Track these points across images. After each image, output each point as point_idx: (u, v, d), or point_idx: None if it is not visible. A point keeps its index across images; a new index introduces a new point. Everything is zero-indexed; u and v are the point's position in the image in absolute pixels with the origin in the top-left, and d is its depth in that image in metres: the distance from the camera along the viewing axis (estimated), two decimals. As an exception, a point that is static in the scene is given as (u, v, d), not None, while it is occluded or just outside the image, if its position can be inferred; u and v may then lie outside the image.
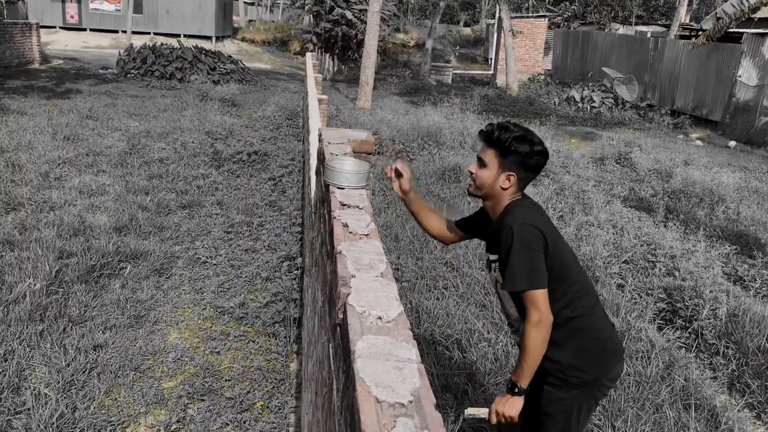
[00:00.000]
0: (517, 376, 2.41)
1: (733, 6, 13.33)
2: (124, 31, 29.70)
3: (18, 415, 3.46)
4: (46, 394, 3.62)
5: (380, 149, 9.54)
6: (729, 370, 4.54)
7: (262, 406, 3.79)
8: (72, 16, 32.24)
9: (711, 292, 5.25)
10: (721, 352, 4.73)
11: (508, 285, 2.40)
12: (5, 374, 3.75)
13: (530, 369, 2.38)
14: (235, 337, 4.55)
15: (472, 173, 2.58)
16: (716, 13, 14.36)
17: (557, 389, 2.54)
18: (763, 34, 17.20)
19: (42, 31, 22.85)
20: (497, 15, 27.05)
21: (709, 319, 5.00)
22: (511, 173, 2.48)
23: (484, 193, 2.57)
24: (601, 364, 2.55)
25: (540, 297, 2.34)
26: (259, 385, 3.98)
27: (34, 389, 3.66)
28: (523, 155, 2.45)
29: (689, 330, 5.00)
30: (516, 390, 2.42)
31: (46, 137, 9.91)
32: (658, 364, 4.28)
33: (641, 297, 5.53)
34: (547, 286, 2.38)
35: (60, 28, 31.78)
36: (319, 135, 3.33)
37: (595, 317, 2.58)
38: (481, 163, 2.54)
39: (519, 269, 2.34)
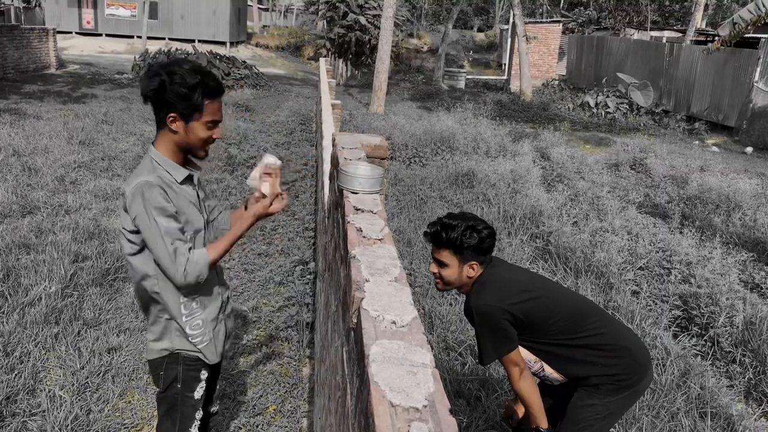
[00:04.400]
0: (534, 423, 2.61)
1: (750, 12, 13.22)
2: (140, 37, 29.98)
3: (33, 417, 3.48)
4: (61, 397, 3.64)
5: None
6: (746, 379, 4.48)
7: (274, 410, 3.79)
8: (88, 22, 32.59)
9: (727, 299, 5.20)
10: (737, 360, 4.68)
11: (481, 360, 2.61)
12: (21, 376, 3.78)
13: (539, 411, 2.59)
14: (247, 340, 4.56)
15: (435, 273, 2.70)
16: (733, 18, 14.20)
17: (589, 396, 2.63)
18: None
19: (58, 36, 23.12)
20: (511, 20, 27.02)
21: (725, 327, 4.94)
22: (472, 263, 2.61)
23: (456, 287, 2.70)
24: (634, 371, 2.63)
25: (513, 356, 2.54)
26: (271, 389, 3.99)
27: (49, 391, 3.69)
28: (475, 245, 2.57)
29: (705, 337, 4.95)
30: None
31: (61, 141, 10.01)
32: (673, 371, 4.24)
33: (656, 304, 5.48)
34: (544, 324, 2.59)
35: (76, 33, 32.14)
36: (333, 140, 3.34)
37: (612, 330, 2.67)
38: (440, 263, 2.66)
39: (484, 346, 2.57)
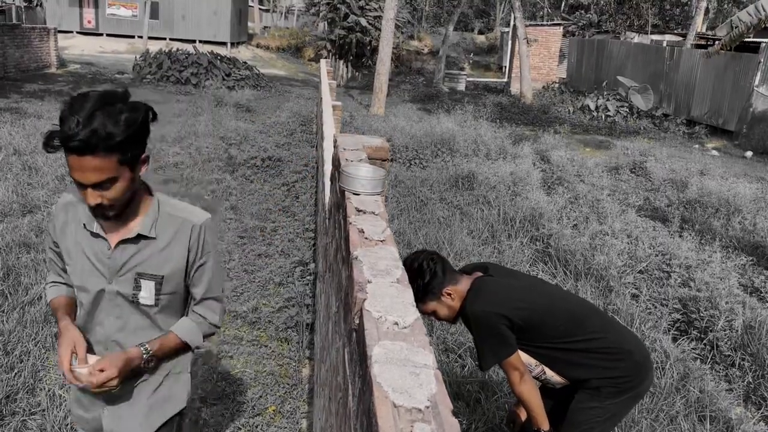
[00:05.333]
0: (536, 424, 2.61)
1: (749, 14, 13.24)
2: (141, 37, 29.98)
3: (33, 416, 3.48)
4: (60, 396, 3.64)
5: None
6: (745, 382, 4.49)
7: (274, 410, 3.79)
8: (89, 21, 32.59)
9: (727, 303, 5.20)
10: (736, 364, 4.68)
11: (480, 366, 2.61)
12: (21, 375, 3.78)
13: (540, 413, 2.59)
14: (247, 341, 4.56)
15: (434, 319, 2.78)
16: (731, 20, 14.23)
17: (590, 398, 2.63)
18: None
19: (59, 35, 23.11)
20: (512, 23, 27.06)
21: (724, 331, 4.95)
22: (445, 293, 2.64)
23: (457, 315, 2.71)
24: (635, 374, 2.63)
25: (512, 360, 2.53)
26: (271, 390, 3.99)
27: (49, 390, 3.69)
28: (430, 282, 2.61)
29: (704, 341, 4.96)
30: None
31: (62, 141, 10.00)
32: (672, 375, 4.24)
33: (656, 307, 5.49)
34: (543, 329, 2.59)
35: (77, 33, 32.13)
36: (335, 141, 3.34)
37: (613, 332, 2.67)
38: (429, 314, 2.72)
39: (483, 351, 2.57)
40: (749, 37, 14.73)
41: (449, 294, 2.62)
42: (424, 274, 2.60)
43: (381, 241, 1.91)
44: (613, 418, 2.68)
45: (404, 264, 2.63)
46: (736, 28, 13.76)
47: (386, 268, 1.69)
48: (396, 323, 1.38)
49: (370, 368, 1.19)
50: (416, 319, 1.40)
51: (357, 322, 1.49)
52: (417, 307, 2.61)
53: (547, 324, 2.58)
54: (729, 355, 4.78)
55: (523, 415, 2.82)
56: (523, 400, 2.57)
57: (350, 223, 2.05)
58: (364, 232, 1.96)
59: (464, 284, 2.64)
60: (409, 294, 1.55)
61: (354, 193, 2.41)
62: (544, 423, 2.57)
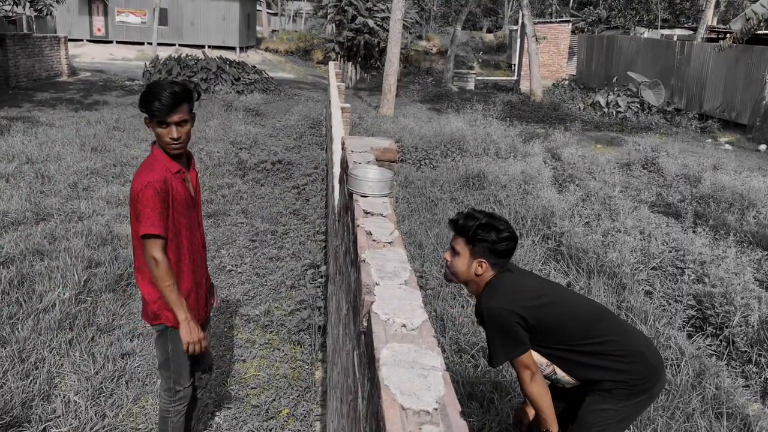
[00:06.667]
0: (545, 425, 2.58)
1: (763, 6, 13.11)
2: (150, 43, 30.14)
3: (48, 423, 3.51)
4: (75, 402, 3.67)
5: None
6: (762, 378, 4.44)
7: (287, 414, 3.80)
8: (99, 29, 32.83)
9: (742, 298, 5.15)
10: (753, 360, 4.63)
11: (490, 362, 2.59)
12: (36, 382, 3.81)
13: (550, 415, 2.56)
14: (260, 345, 4.57)
15: (446, 260, 2.67)
16: (746, 13, 14.08)
17: (602, 400, 2.61)
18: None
19: (70, 44, 23.32)
20: (520, 21, 26.95)
21: (740, 327, 4.90)
22: (482, 260, 2.58)
23: (461, 280, 2.66)
24: (648, 376, 2.61)
25: (524, 359, 2.51)
26: (284, 393, 3.99)
27: (64, 397, 3.72)
28: (490, 242, 2.54)
29: (720, 337, 4.91)
30: None
31: (74, 148, 10.09)
32: (688, 372, 4.20)
33: (670, 304, 5.44)
34: (557, 331, 2.57)
35: (87, 40, 32.38)
36: (342, 143, 3.34)
37: (626, 335, 2.67)
38: (454, 251, 2.63)
39: (495, 348, 2.55)
40: (761, 29, 14.58)
41: (481, 265, 2.58)
42: (495, 233, 2.54)
43: (389, 243, 1.91)
44: (625, 420, 2.65)
45: (495, 214, 2.61)
46: (749, 20, 13.62)
47: (394, 270, 1.68)
48: (404, 325, 1.38)
49: (378, 371, 1.19)
50: (424, 321, 1.40)
51: (365, 324, 1.49)
52: (455, 238, 2.59)
53: (561, 325, 2.57)
54: (745, 351, 4.73)
55: (531, 414, 2.80)
56: (532, 401, 2.56)
57: (358, 226, 2.05)
58: (371, 235, 1.96)
59: (492, 273, 2.61)
60: (417, 296, 1.54)
61: (362, 196, 2.41)
62: (553, 425, 2.55)
